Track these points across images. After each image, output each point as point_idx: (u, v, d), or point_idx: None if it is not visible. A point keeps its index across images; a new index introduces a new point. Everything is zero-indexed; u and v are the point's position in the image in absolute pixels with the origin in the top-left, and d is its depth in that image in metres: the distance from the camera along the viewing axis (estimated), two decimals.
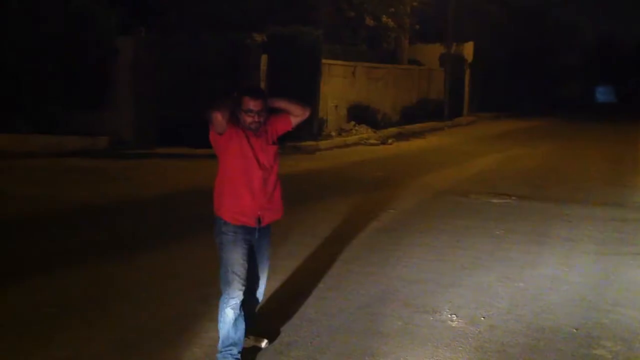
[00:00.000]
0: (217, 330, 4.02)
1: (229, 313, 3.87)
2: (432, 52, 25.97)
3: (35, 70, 13.40)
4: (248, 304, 4.06)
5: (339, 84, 18.47)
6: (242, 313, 3.92)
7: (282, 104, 4.12)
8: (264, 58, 15.14)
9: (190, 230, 7.35)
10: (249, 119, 3.87)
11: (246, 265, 3.95)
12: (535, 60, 35.24)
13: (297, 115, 4.11)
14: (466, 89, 27.06)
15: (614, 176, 12.43)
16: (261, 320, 4.51)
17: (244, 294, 3.93)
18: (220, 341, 3.94)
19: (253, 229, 4.00)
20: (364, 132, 18.07)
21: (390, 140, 17.44)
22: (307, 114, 4.16)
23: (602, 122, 26.79)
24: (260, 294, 4.28)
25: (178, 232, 7.39)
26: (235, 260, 3.91)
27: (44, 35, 13.47)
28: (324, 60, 16.64)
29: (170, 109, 13.92)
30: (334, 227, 7.73)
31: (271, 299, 5.25)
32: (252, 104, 3.86)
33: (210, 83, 13.74)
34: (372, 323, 4.84)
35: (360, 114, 19.15)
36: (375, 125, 19.09)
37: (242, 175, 3.92)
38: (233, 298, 3.87)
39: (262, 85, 15.05)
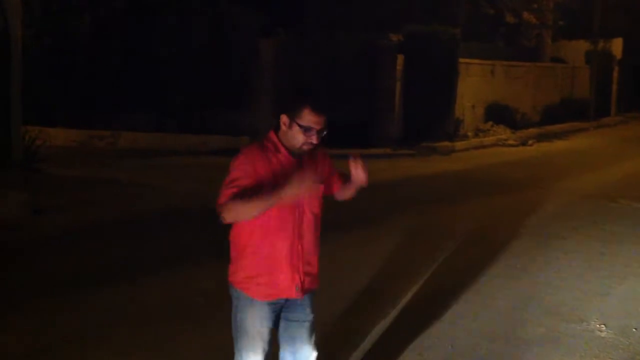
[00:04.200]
0: None
1: None
2: (576, 49, 24.70)
3: (183, 74, 14.19)
4: None
5: (476, 83, 18.03)
6: None
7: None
8: (400, 58, 15.08)
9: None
10: (303, 138, 2.80)
11: None
12: None
13: (342, 197, 3.11)
14: (614, 87, 25.50)
15: None
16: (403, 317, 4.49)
17: None
18: None
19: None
20: (501, 132, 17.52)
21: (530, 142, 16.78)
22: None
23: None
24: None
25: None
26: None
27: (191, 39, 14.25)
28: (461, 59, 16.31)
29: None
30: (471, 230, 7.56)
31: (412, 299, 5.22)
32: (314, 120, 2.78)
33: (347, 83, 13.90)
34: (514, 329, 4.68)
35: (498, 114, 18.57)
36: (513, 125, 18.45)
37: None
38: None
39: (398, 86, 15.00)
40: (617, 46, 25.61)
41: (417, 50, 15.00)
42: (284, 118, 2.82)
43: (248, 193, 2.72)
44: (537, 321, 4.82)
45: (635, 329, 4.69)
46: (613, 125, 22.83)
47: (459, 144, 15.32)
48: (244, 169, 2.78)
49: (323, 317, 2.94)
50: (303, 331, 2.99)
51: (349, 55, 14.47)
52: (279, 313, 2.97)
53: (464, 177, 11.67)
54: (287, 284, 2.89)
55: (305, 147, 2.82)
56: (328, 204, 3.06)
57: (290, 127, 2.80)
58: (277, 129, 2.86)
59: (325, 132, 2.83)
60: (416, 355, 4.24)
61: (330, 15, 16.14)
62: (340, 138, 14.46)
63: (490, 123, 18.04)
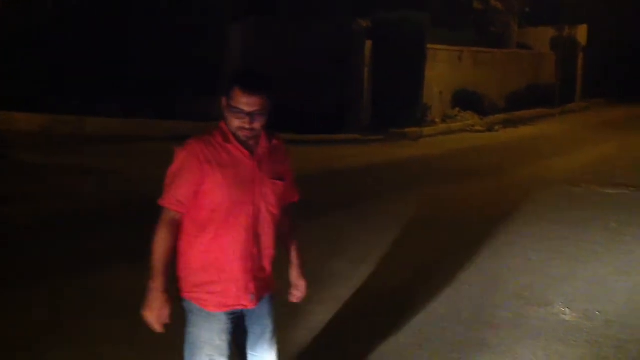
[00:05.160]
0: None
1: None
2: (542, 36, 24.98)
3: (152, 59, 14.04)
4: None
5: (444, 70, 18.16)
6: None
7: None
8: (368, 44, 15.11)
9: None
10: (236, 122, 2.54)
11: None
12: None
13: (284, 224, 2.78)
14: (579, 73, 25.88)
15: None
16: (364, 299, 4.54)
17: None
18: None
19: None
20: (469, 118, 17.70)
21: (497, 127, 17.00)
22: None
23: None
24: None
25: None
26: None
27: (161, 23, 14.09)
28: (429, 46, 16.40)
29: (278, 96, 14.18)
30: (439, 215, 7.66)
31: (374, 285, 5.29)
32: (244, 102, 2.51)
33: (318, 70, 13.88)
34: (481, 314, 4.78)
35: (466, 100, 18.75)
36: (481, 111, 18.65)
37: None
38: None
39: (366, 71, 15.03)
40: (582, 33, 25.96)
41: (386, 37, 15.06)
42: (223, 102, 2.57)
43: (165, 243, 2.57)
44: (504, 305, 4.92)
45: (599, 312, 4.81)
46: (578, 111, 23.21)
47: (427, 130, 15.44)
48: (186, 166, 2.55)
49: (284, 297, 2.93)
50: (263, 343, 2.75)
51: (319, 42, 14.46)
52: (238, 323, 2.68)
53: (432, 162, 11.79)
54: (241, 292, 2.61)
55: (241, 133, 2.54)
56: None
57: (228, 110, 2.54)
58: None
59: (263, 117, 2.53)
60: (384, 341, 4.30)
61: (301, 2, 16.07)
62: (311, 125, 14.59)
63: (458, 109, 18.21)
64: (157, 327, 2.59)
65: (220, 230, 2.56)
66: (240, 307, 2.63)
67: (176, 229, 2.58)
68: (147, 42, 14.12)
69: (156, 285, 2.57)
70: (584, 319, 4.70)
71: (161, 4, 14.27)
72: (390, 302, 4.97)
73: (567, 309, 4.85)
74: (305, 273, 2.88)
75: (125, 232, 6.49)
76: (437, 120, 17.02)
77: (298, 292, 2.87)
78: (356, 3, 15.92)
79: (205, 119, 13.89)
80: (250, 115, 2.50)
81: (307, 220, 6.37)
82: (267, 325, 2.75)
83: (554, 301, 5.01)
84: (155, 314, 2.57)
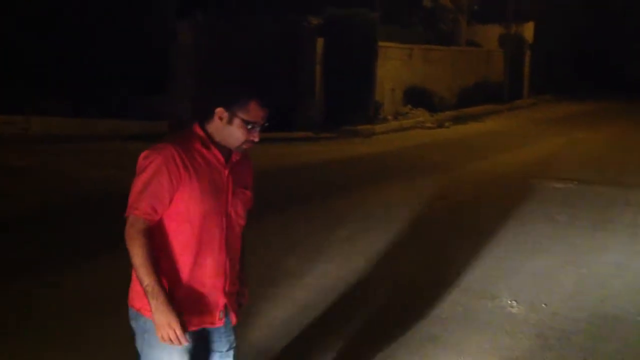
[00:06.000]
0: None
1: None
2: (490, 33, 25.42)
3: (100, 57, 13.76)
4: None
5: (395, 67, 18.30)
6: None
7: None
8: (319, 41, 15.11)
9: None
10: (244, 135, 2.43)
11: None
12: (601, 41, 33.98)
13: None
14: (526, 70, 26.42)
15: None
16: (317, 295, 4.54)
17: None
18: None
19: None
20: (420, 115, 17.89)
21: (447, 124, 17.22)
22: None
23: None
24: None
25: None
26: None
27: (107, 21, 13.81)
28: (380, 43, 16.49)
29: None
30: (390, 212, 7.71)
31: (323, 282, 5.29)
32: (260, 115, 2.43)
33: (269, 67, 13.82)
34: (429, 307, 4.83)
35: (417, 97, 18.95)
36: (432, 108, 18.86)
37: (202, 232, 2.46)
38: None
39: (318, 69, 15.04)
40: (529, 30, 26.53)
41: (337, 34, 15.08)
42: (221, 112, 2.40)
43: (147, 246, 2.31)
44: (452, 299, 4.98)
45: (545, 304, 4.91)
46: (526, 108, 23.68)
47: (379, 127, 15.54)
48: (162, 172, 2.34)
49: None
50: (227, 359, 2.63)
51: (270, 39, 14.39)
52: (200, 340, 2.52)
53: (384, 160, 11.87)
54: (211, 310, 2.47)
55: (245, 146, 2.44)
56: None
57: (230, 122, 2.39)
58: (203, 122, 2.45)
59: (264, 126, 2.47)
60: (331, 333, 4.30)
61: None
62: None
63: (409, 106, 18.38)
64: (183, 340, 2.32)
65: (190, 244, 2.40)
66: (207, 326, 2.49)
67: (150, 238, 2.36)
68: (95, 40, 13.84)
69: (161, 298, 2.29)
70: (531, 311, 4.79)
71: (106, 1, 14.01)
72: (341, 297, 4.97)
73: (514, 302, 4.94)
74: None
75: (71, 231, 6.35)
76: (389, 117, 17.15)
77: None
78: (309, 1, 15.89)
79: (154, 117, 13.74)
80: (261, 129, 2.45)
81: (259, 219, 6.33)
82: (232, 342, 2.62)
83: (502, 294, 5.09)
84: (175, 326, 2.30)
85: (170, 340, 2.29)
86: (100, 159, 10.82)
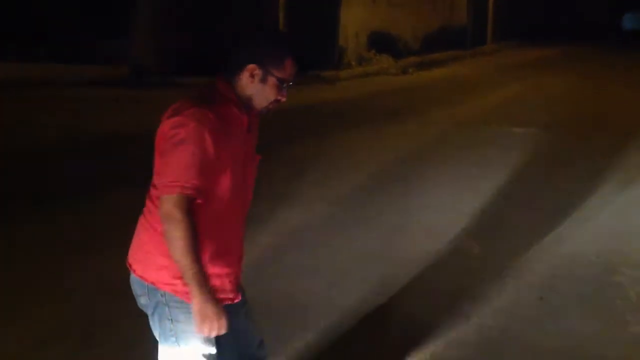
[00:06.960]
0: None
1: None
2: None
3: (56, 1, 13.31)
4: None
5: (359, 11, 18.08)
6: None
7: None
8: None
9: None
10: (274, 95, 2.21)
11: None
12: None
13: None
14: (490, 15, 26.37)
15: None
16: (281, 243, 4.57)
17: None
18: None
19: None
20: (384, 61, 17.80)
21: (411, 70, 17.19)
22: None
23: (633, 52, 26.03)
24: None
25: None
26: None
27: None
28: None
29: (189, 38, 13.79)
30: (354, 158, 7.75)
31: (288, 229, 5.34)
32: (294, 72, 2.23)
33: (233, 13, 13.54)
34: (395, 251, 4.92)
35: (381, 42, 18.81)
36: (396, 54, 18.78)
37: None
38: None
39: (282, 15, 14.79)
40: None
41: None
42: (253, 69, 2.15)
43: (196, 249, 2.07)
44: (417, 241, 5.09)
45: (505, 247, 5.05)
46: (489, 54, 23.73)
47: (343, 73, 15.44)
48: (202, 139, 2.05)
49: None
50: (249, 340, 2.46)
51: None
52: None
53: (348, 106, 11.84)
54: (235, 284, 2.31)
55: (271, 107, 2.23)
56: None
57: (264, 80, 2.16)
58: (229, 80, 2.19)
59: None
60: (289, 283, 4.36)
61: None
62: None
63: (373, 52, 18.26)
64: (224, 330, 2.16)
65: (222, 215, 2.19)
66: (229, 301, 2.27)
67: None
68: None
69: (208, 287, 2.11)
70: (491, 253, 4.92)
71: None
72: (305, 241, 5.03)
73: (474, 244, 5.07)
74: None
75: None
76: (353, 63, 17.02)
77: None
78: None
79: (113, 62, 13.42)
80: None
81: None
82: (250, 323, 2.45)
83: (462, 236, 5.22)
84: (222, 316, 2.14)
85: (210, 331, 2.14)
86: (59, 106, 10.58)
